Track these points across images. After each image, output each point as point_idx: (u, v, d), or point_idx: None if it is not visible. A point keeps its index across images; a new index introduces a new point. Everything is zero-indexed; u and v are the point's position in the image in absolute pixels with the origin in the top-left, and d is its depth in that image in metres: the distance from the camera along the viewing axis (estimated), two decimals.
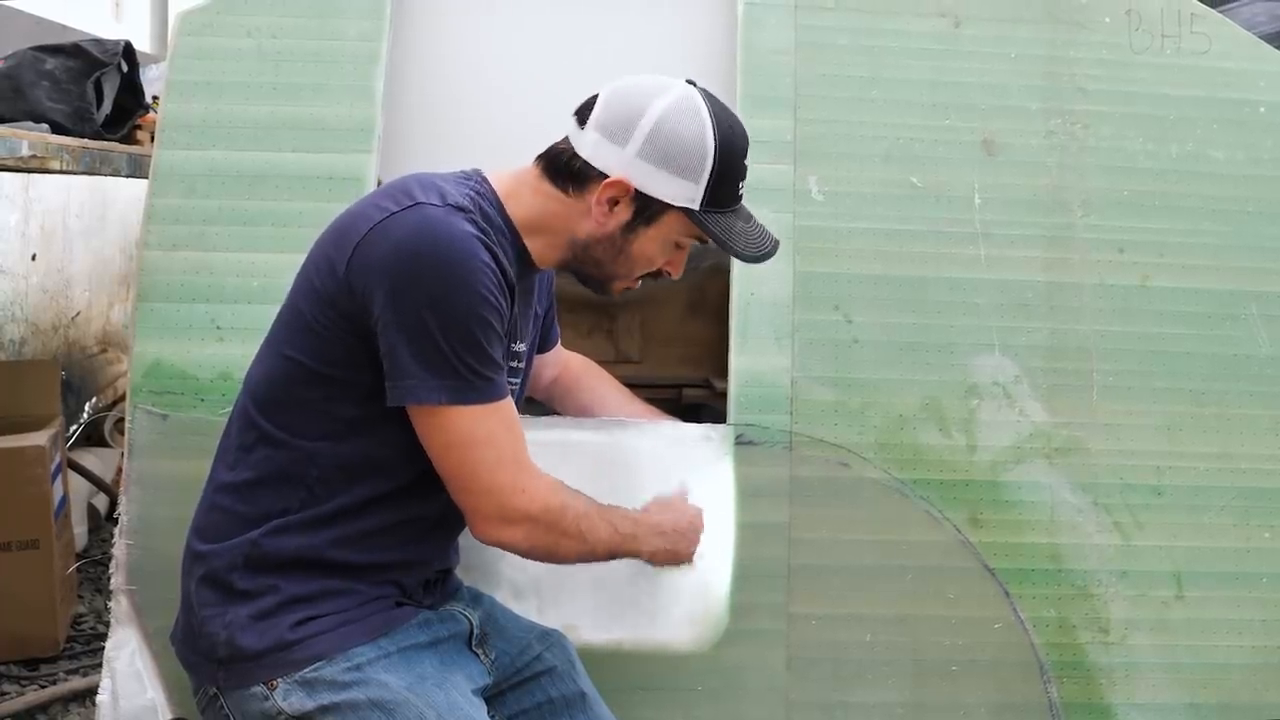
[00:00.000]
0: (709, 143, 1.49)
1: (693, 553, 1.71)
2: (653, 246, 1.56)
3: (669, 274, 1.61)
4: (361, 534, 1.50)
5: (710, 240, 1.54)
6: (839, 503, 1.94)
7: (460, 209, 1.45)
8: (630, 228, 1.53)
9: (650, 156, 1.49)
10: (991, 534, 1.96)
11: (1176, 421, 2.02)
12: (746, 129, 1.55)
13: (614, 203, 1.52)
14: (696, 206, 1.51)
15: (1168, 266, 2.06)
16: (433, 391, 1.41)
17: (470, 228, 1.43)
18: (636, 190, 1.50)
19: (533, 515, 1.48)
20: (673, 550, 1.68)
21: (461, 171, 1.58)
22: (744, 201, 1.57)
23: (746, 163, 1.55)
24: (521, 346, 1.63)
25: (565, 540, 1.52)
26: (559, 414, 1.96)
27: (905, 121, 2.06)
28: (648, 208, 1.52)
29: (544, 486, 1.50)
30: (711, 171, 1.49)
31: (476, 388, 1.43)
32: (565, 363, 1.97)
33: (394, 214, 1.43)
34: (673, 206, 1.51)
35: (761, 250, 1.56)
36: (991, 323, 2.01)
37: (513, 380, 1.58)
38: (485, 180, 1.56)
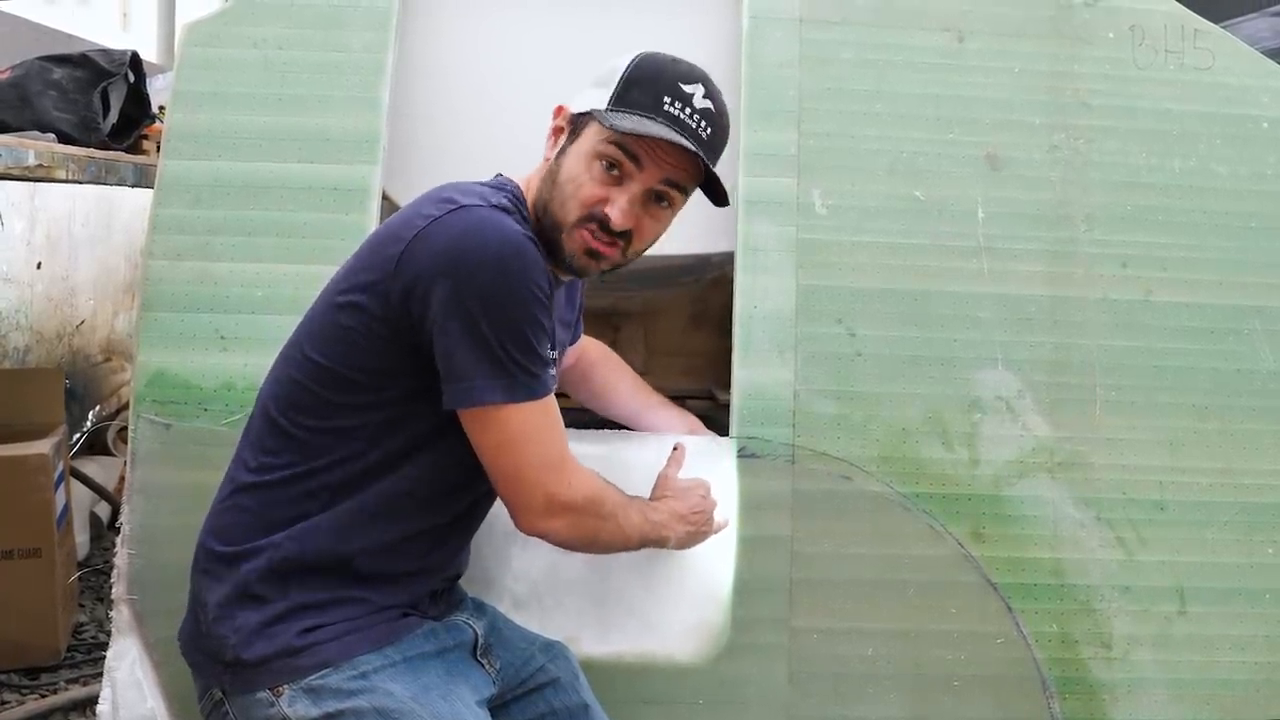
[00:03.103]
0: (628, 57, 1.53)
1: (710, 531, 1.78)
2: (576, 163, 1.52)
3: (608, 218, 1.50)
4: (382, 542, 1.51)
5: (613, 133, 1.49)
6: (841, 516, 1.93)
7: (505, 210, 1.48)
8: (562, 151, 1.55)
9: (586, 85, 1.56)
10: (994, 548, 1.96)
11: (1179, 436, 2.02)
12: (704, 75, 1.55)
13: (559, 132, 1.57)
14: (603, 106, 1.52)
15: (1171, 281, 2.06)
16: (487, 392, 1.43)
17: (519, 226, 1.46)
18: (570, 114, 1.55)
19: (576, 506, 1.51)
20: (695, 533, 1.75)
21: (491, 180, 1.60)
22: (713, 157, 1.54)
23: (684, 88, 1.51)
24: (554, 354, 1.62)
25: (604, 528, 1.56)
26: (570, 400, 1.96)
27: (909, 135, 2.06)
28: (575, 125, 1.55)
29: (585, 478, 1.53)
30: (622, 77, 1.52)
31: (528, 385, 1.45)
32: (582, 350, 1.98)
33: (438, 218, 1.44)
34: (588, 114, 1.53)
35: (651, 132, 1.47)
36: (994, 337, 2.01)
37: None
38: (517, 187, 1.58)
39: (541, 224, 1.54)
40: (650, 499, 1.73)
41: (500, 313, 1.41)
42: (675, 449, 1.85)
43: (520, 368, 1.43)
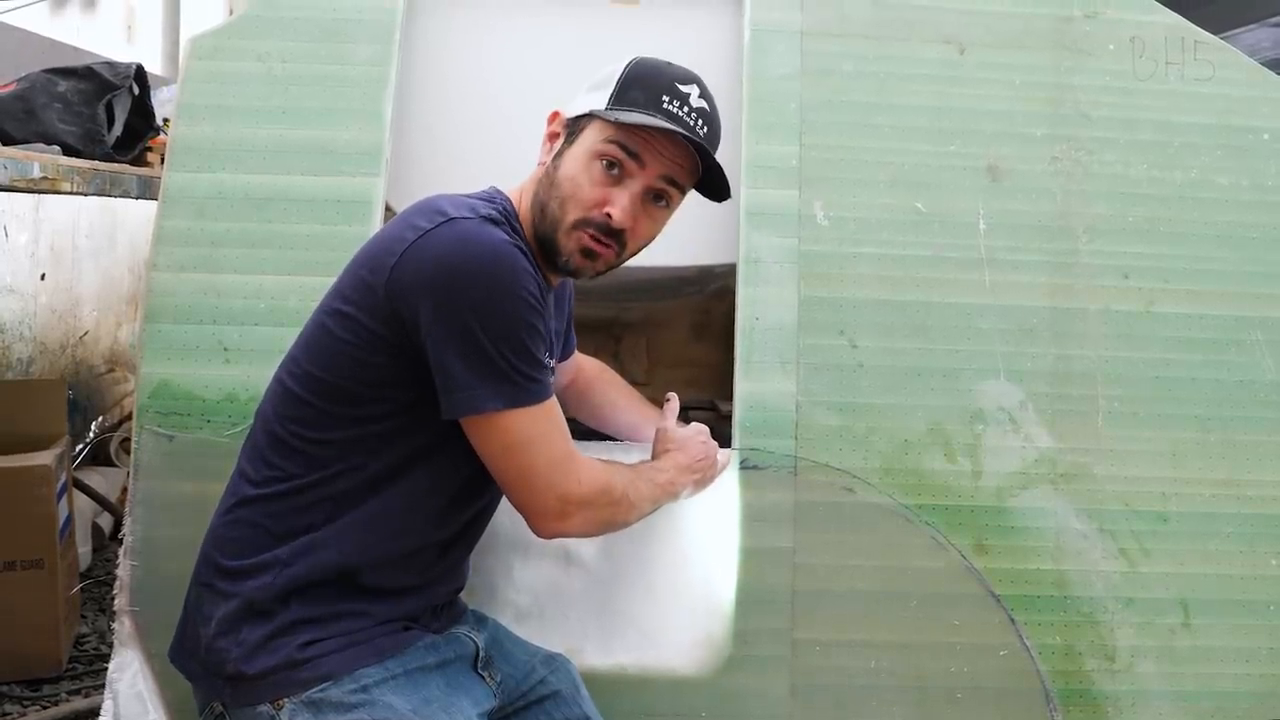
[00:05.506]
0: (625, 61, 1.57)
1: (716, 474, 1.84)
2: (575, 164, 1.55)
3: (609, 217, 1.52)
4: (385, 555, 1.51)
5: (613, 128, 1.52)
6: (843, 528, 1.93)
7: (493, 221, 1.49)
8: (559, 154, 1.57)
9: (581, 90, 1.59)
10: (997, 560, 1.95)
11: (1182, 448, 2.02)
12: (698, 78, 1.59)
13: (554, 137, 1.59)
14: (603, 106, 1.54)
15: (1172, 292, 2.07)
16: (489, 399, 1.44)
17: (506, 237, 1.47)
18: (566, 119, 1.58)
19: (589, 500, 1.52)
20: (702, 479, 1.79)
21: (483, 192, 1.61)
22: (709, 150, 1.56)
23: (681, 88, 1.55)
24: (550, 361, 1.63)
25: (618, 511, 1.59)
26: (571, 418, 1.97)
27: (910, 147, 2.07)
28: (572, 128, 1.57)
29: (593, 470, 1.55)
30: (621, 77, 1.55)
31: (529, 390, 1.46)
32: (580, 367, 2.00)
33: (429, 231, 1.45)
34: (587, 115, 1.56)
35: (658, 124, 1.51)
36: (996, 348, 2.01)
37: None
38: (508, 200, 1.60)
39: (538, 227, 1.57)
40: (652, 455, 1.75)
41: (495, 322, 1.42)
42: (667, 400, 1.87)
43: (520, 373, 1.44)
